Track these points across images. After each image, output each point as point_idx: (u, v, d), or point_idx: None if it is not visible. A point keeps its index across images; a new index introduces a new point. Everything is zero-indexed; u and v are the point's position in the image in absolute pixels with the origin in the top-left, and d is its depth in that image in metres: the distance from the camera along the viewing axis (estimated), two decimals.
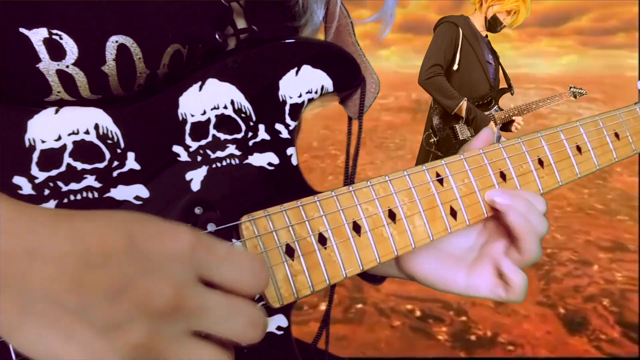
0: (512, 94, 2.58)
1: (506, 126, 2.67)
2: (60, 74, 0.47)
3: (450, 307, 2.22)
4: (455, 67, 2.49)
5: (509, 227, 0.62)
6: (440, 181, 0.63)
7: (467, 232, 0.67)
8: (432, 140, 2.53)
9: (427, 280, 0.66)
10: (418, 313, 2.21)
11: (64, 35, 0.47)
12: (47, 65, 0.47)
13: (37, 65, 0.47)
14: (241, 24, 0.60)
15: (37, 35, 0.46)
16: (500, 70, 2.69)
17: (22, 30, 0.46)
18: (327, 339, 0.68)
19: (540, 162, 0.70)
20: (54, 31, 0.47)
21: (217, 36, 0.57)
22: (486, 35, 2.64)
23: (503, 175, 0.67)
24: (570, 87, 2.22)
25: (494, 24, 2.66)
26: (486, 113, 2.57)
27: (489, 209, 0.65)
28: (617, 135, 0.78)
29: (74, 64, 0.47)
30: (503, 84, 2.70)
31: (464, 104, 2.38)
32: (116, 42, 0.49)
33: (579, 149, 0.74)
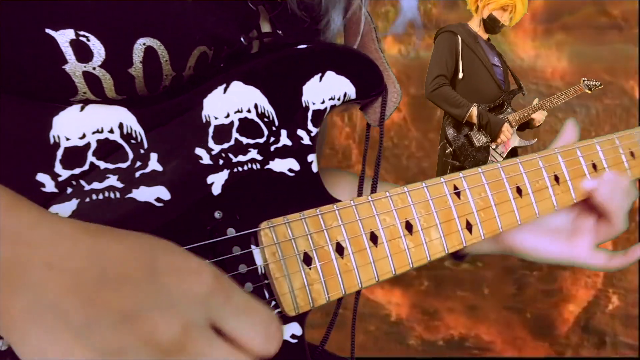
0: (523, 94, 2.56)
1: (525, 126, 2.63)
2: (87, 75, 0.47)
3: (426, 312, 2.21)
4: (460, 75, 2.47)
5: (599, 206, 0.71)
6: (458, 194, 0.63)
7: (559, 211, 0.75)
8: (448, 150, 2.51)
9: (528, 253, 0.74)
10: (393, 318, 2.20)
11: (91, 37, 0.46)
12: (74, 67, 0.46)
13: (63, 67, 0.46)
14: (265, 27, 0.60)
15: (63, 37, 0.46)
16: (509, 72, 2.67)
17: (48, 31, 0.45)
18: (324, 342, 0.69)
19: (556, 179, 0.70)
20: (81, 32, 0.46)
21: (242, 39, 0.56)
22: (488, 38, 2.62)
23: (519, 190, 0.67)
24: (584, 80, 2.17)
25: (492, 24, 2.62)
26: (500, 116, 2.56)
27: (503, 224, 0.65)
28: (632, 154, 0.78)
29: (100, 66, 0.47)
30: (513, 85, 2.68)
31: (474, 110, 2.36)
32: (143, 44, 0.48)
33: (594, 166, 0.74)
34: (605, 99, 1.96)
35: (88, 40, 0.46)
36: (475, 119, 2.46)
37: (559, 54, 1.94)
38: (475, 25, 2.68)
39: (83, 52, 0.46)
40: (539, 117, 2.65)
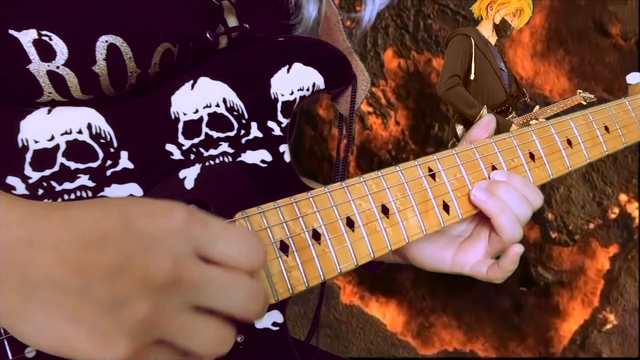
0: (526, 101, 2.57)
1: None
2: (51, 74, 0.47)
3: (422, 327, 2.20)
4: (472, 76, 2.49)
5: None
6: (433, 176, 0.63)
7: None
8: None
9: (421, 261, 0.69)
10: (388, 332, 2.19)
11: (54, 36, 0.47)
12: (38, 67, 0.47)
13: (27, 67, 0.47)
14: (232, 22, 0.61)
15: (26, 37, 0.46)
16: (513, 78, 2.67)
17: (11, 32, 0.46)
18: (317, 336, 0.69)
19: (532, 156, 0.70)
20: (44, 32, 0.47)
21: (208, 35, 0.57)
22: (495, 43, 2.63)
23: (494, 169, 0.67)
24: (580, 92, 2.20)
25: (503, 28, 2.64)
26: (506, 119, 2.57)
27: None
28: (607, 128, 0.79)
29: (64, 65, 0.48)
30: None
31: (484, 111, 2.38)
32: (106, 41, 0.49)
33: (569, 142, 0.74)
34: None
35: (50, 39, 0.47)
36: None
37: (558, 72, 1.96)
38: (484, 29, 2.69)
39: (46, 51, 0.47)
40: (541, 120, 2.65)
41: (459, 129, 2.59)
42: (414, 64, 1.91)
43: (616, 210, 1.96)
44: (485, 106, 2.54)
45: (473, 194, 0.64)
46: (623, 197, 1.96)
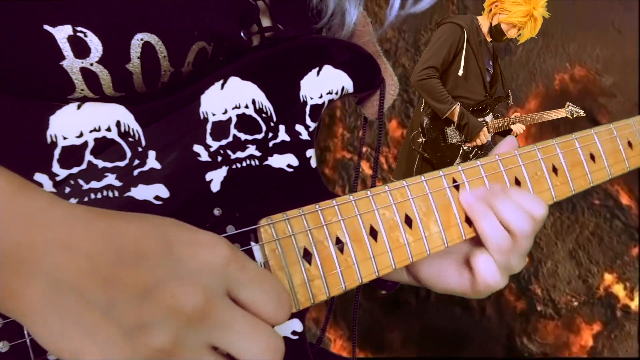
0: (508, 104, 2.56)
1: (507, 133, 2.64)
2: (84, 71, 0.46)
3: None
4: (460, 72, 2.45)
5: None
6: (457, 187, 0.62)
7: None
8: (420, 140, 2.49)
9: (430, 282, 0.66)
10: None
11: (89, 33, 0.46)
12: (71, 63, 0.46)
13: (60, 63, 0.46)
14: (266, 22, 0.60)
15: (61, 33, 0.45)
16: (501, 79, 2.64)
17: (46, 27, 0.45)
18: (320, 341, 0.69)
19: (555, 170, 0.70)
20: (79, 28, 0.46)
21: (242, 34, 0.56)
22: (491, 41, 2.60)
23: (518, 182, 0.67)
24: (568, 105, 2.22)
25: (497, 34, 2.60)
26: (480, 119, 2.55)
27: None
28: (630, 144, 0.78)
29: (98, 62, 0.47)
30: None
31: (456, 109, 2.36)
32: (141, 39, 0.48)
33: (592, 157, 0.74)
34: (592, 199, 2.08)
35: (85, 36, 0.46)
36: (455, 118, 2.45)
37: None
38: (484, 24, 2.66)
39: (80, 48, 0.46)
40: (518, 129, 2.64)
41: (425, 121, 2.57)
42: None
43: (601, 289, 2.01)
44: (458, 104, 2.52)
45: (460, 196, 0.61)
46: (608, 277, 2.02)
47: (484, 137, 2.57)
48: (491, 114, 2.79)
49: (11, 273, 0.34)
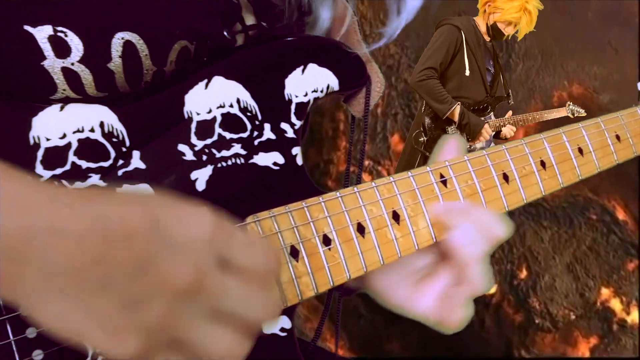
0: (509, 103, 2.56)
1: (496, 135, 2.64)
2: (66, 71, 0.47)
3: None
4: (467, 72, 2.45)
5: (451, 249, 0.57)
6: (444, 182, 0.62)
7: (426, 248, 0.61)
8: (422, 139, 2.50)
9: (377, 293, 0.63)
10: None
11: (69, 32, 0.46)
12: (53, 63, 0.46)
13: (42, 63, 0.46)
14: (250, 20, 0.60)
15: (41, 33, 0.45)
16: (501, 78, 2.64)
17: (26, 27, 0.45)
18: (316, 338, 0.68)
19: (543, 164, 0.70)
20: (59, 28, 0.46)
21: (225, 33, 0.56)
22: (490, 40, 2.60)
23: (506, 177, 0.67)
24: (569, 105, 2.22)
25: (495, 33, 2.60)
26: (481, 118, 2.55)
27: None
28: (618, 137, 0.79)
29: (79, 61, 0.47)
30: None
31: (457, 108, 2.36)
32: (122, 38, 0.48)
33: (580, 150, 0.74)
34: (589, 214, 2.12)
35: (66, 35, 0.46)
36: (457, 118, 2.45)
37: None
38: (481, 24, 2.66)
39: (61, 48, 0.46)
40: (508, 132, 2.64)
41: (427, 120, 2.56)
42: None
43: (598, 303, 2.05)
44: (458, 104, 2.52)
45: (430, 207, 0.59)
46: (604, 291, 2.05)
47: (487, 134, 2.57)
48: (492, 113, 2.80)
49: (4, 260, 0.34)
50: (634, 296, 2.03)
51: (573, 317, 2.03)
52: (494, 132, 2.60)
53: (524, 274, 2.07)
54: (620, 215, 2.11)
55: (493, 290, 2.09)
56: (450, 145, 0.64)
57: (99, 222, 0.35)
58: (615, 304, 2.04)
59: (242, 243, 0.40)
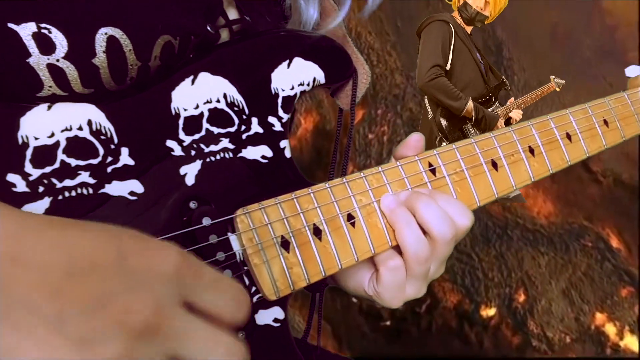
0: (506, 89, 2.55)
1: (506, 123, 2.63)
2: (51, 68, 0.47)
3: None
4: (448, 66, 2.44)
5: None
6: (433, 171, 0.63)
7: None
8: (445, 143, 2.46)
9: (340, 277, 0.63)
10: None
11: (53, 29, 0.47)
12: (38, 60, 0.47)
13: (27, 60, 0.46)
14: (233, 14, 0.60)
15: (25, 30, 0.46)
16: (490, 67, 2.63)
17: (10, 25, 0.46)
18: (319, 335, 0.69)
19: (531, 150, 0.70)
20: (42, 25, 0.46)
21: (208, 28, 0.56)
22: (470, 33, 2.58)
23: (494, 164, 0.67)
24: (553, 78, 2.24)
25: (467, 14, 2.54)
26: (489, 110, 2.54)
27: (480, 197, 0.65)
28: (605, 122, 0.79)
29: (64, 57, 0.47)
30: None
31: (470, 103, 2.35)
32: (105, 34, 0.48)
33: (568, 136, 0.74)
34: (584, 241, 2.18)
35: (50, 32, 0.46)
36: (472, 113, 2.42)
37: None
38: (457, 17, 2.65)
39: (46, 44, 0.46)
40: (516, 116, 2.62)
41: (443, 122, 2.54)
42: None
43: (592, 327, 2.09)
44: (470, 98, 2.50)
45: (382, 200, 0.59)
46: (599, 315, 2.12)
47: (501, 126, 2.55)
48: (497, 102, 2.77)
49: None
50: (626, 322, 2.11)
51: (568, 340, 2.11)
52: (504, 120, 2.57)
53: (522, 297, 2.14)
54: (614, 242, 2.19)
55: (492, 312, 2.19)
56: (411, 141, 0.64)
57: (65, 250, 0.35)
58: (609, 329, 2.13)
59: (210, 283, 0.39)
